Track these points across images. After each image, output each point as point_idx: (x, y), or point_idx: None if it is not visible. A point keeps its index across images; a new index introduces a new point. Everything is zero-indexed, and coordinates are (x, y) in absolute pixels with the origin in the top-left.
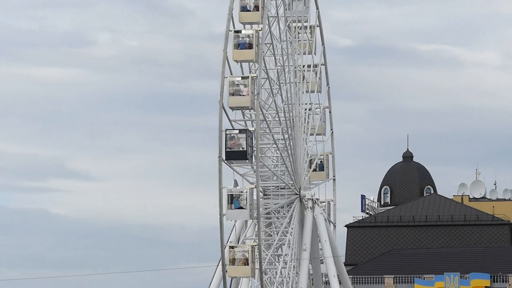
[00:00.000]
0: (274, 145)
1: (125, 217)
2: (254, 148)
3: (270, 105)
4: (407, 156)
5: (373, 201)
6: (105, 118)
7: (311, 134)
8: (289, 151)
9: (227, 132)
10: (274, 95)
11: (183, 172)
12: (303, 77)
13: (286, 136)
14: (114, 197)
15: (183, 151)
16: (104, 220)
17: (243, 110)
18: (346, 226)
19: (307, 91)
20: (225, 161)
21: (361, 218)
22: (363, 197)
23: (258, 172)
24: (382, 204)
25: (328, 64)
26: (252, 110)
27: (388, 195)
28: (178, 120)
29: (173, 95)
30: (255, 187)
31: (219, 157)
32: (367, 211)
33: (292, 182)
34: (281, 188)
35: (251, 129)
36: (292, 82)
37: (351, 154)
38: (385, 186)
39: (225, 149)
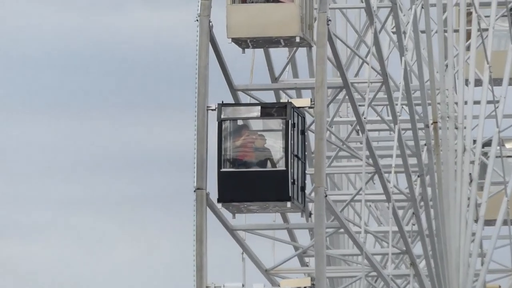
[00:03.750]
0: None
1: None
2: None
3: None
4: None
5: None
6: None
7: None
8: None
9: (222, 115)
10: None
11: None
12: None
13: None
14: None
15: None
16: None
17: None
18: None
19: None
20: (220, 205)
21: None
22: None
23: (322, 254)
24: None
25: None
26: (306, 48)
27: None
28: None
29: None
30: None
31: (196, 189)
32: None
33: None
34: None
35: (298, 103)
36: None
37: None
38: None
39: (218, 167)
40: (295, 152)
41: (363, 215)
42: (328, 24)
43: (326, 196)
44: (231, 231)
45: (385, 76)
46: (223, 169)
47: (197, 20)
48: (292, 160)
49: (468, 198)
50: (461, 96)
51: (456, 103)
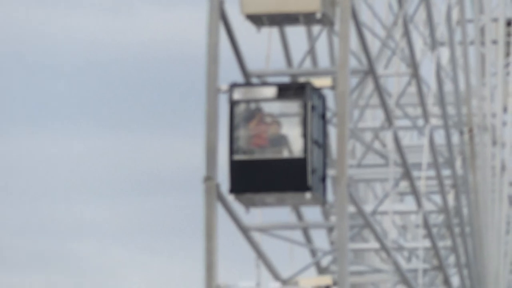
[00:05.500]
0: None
1: None
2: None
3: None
4: None
5: None
6: None
7: None
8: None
9: (235, 97)
10: None
11: None
12: None
13: None
14: None
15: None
16: None
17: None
18: None
19: None
20: (233, 197)
21: None
22: None
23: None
24: None
25: None
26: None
27: None
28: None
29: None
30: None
31: (207, 179)
32: None
33: None
34: None
35: (319, 82)
36: None
37: None
38: None
39: (230, 155)
40: (315, 138)
41: (390, 213)
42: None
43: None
44: (245, 231)
45: (415, 69)
46: (235, 158)
47: None
48: (311, 147)
49: (508, 223)
50: (499, 106)
51: (494, 115)
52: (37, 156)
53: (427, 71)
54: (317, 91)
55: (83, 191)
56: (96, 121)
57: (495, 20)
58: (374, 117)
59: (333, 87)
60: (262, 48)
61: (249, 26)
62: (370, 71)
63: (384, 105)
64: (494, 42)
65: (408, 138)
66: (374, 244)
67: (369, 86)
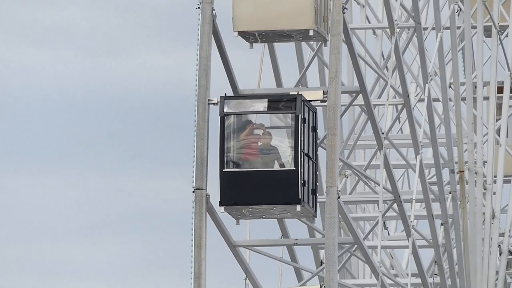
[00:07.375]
0: None
1: None
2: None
3: None
4: None
5: None
6: None
7: None
8: None
9: (225, 109)
10: None
11: None
12: None
13: None
14: None
15: None
16: None
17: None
18: None
19: None
20: (223, 209)
21: None
22: None
23: None
24: None
25: None
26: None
27: None
28: None
29: None
30: None
31: (195, 189)
32: None
33: None
34: None
35: (310, 95)
36: None
37: None
38: None
39: (220, 166)
40: (306, 151)
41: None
42: (344, 13)
43: (339, 197)
44: (233, 247)
45: (406, 97)
46: (225, 169)
47: (198, 8)
48: (302, 159)
49: (497, 272)
50: (491, 154)
51: (485, 163)
52: (20, 196)
53: (419, 114)
54: (308, 103)
55: (70, 231)
56: (81, 162)
57: (486, 83)
58: (364, 158)
59: (324, 101)
60: (255, 62)
61: (242, 41)
62: (361, 91)
63: (374, 127)
64: (486, 98)
65: (400, 183)
66: (362, 280)
67: (359, 123)
